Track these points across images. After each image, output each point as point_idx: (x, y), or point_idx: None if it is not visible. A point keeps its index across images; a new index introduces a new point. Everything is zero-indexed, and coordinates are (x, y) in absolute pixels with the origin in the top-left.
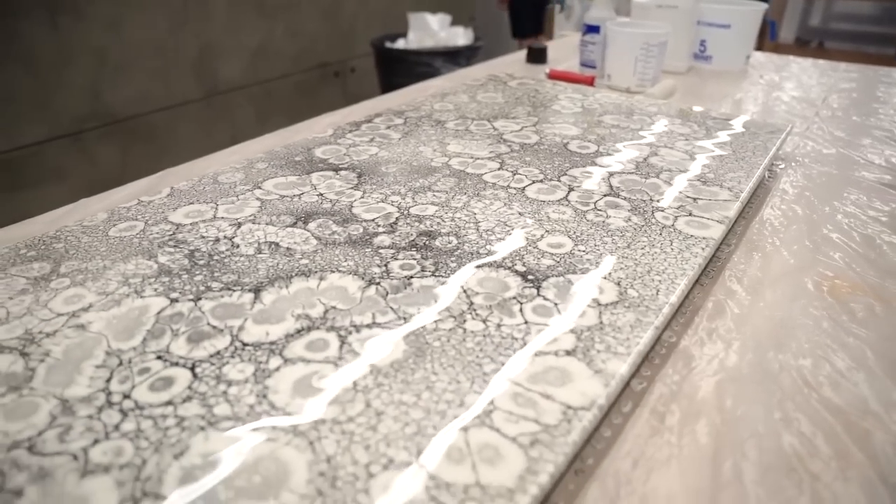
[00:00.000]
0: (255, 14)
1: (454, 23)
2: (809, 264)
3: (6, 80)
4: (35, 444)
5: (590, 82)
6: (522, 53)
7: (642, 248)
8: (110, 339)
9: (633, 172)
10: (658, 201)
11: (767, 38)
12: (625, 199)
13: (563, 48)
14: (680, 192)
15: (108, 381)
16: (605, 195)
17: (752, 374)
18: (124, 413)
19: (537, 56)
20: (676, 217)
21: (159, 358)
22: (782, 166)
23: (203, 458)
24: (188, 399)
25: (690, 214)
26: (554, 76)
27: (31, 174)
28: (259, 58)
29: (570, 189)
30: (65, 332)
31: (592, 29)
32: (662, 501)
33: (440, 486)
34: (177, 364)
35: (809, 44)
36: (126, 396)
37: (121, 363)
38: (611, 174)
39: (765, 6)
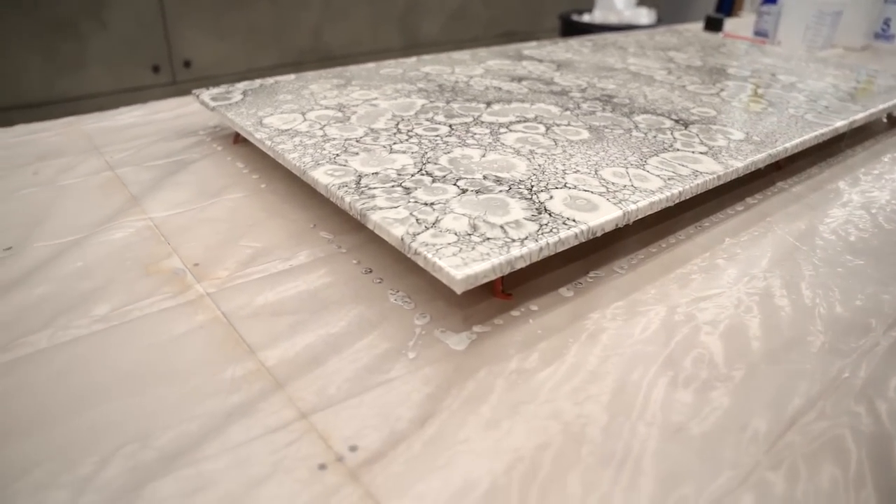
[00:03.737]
0: None
1: (639, 4)
2: None
3: (255, 15)
4: (359, 140)
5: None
6: (700, 24)
7: (771, 122)
8: (393, 111)
9: (779, 89)
10: (793, 104)
11: None
12: (766, 100)
13: (741, 24)
14: (814, 102)
15: (397, 125)
16: (749, 95)
17: (824, 205)
18: (409, 136)
19: (714, 24)
20: (806, 112)
21: (427, 120)
22: None
23: (461, 156)
24: (449, 135)
25: (819, 113)
26: (727, 37)
27: None
28: (456, 20)
29: (722, 90)
30: (364, 106)
31: (770, 0)
32: (748, 263)
33: (608, 187)
34: (439, 124)
35: None
36: (409, 131)
37: (402, 119)
38: (758, 86)
39: None
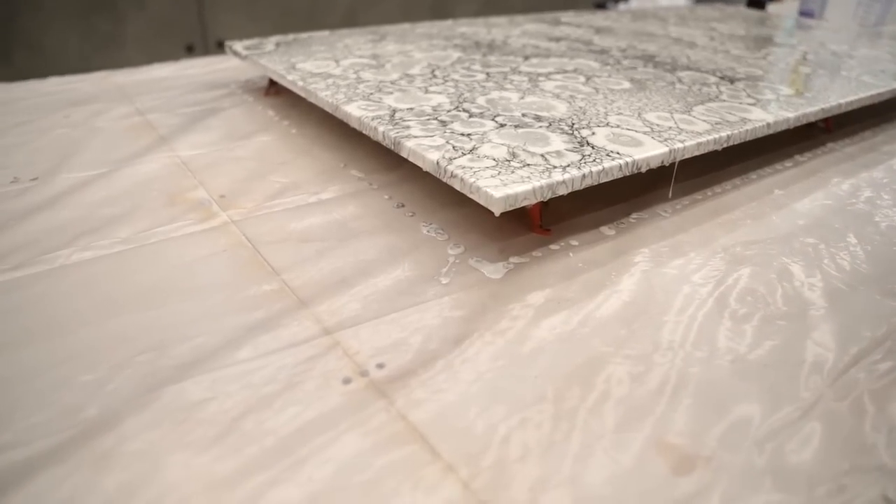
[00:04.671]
0: None
1: None
2: None
3: None
4: (406, 78)
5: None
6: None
7: (822, 82)
8: (428, 60)
9: (829, 55)
10: (845, 67)
11: None
12: (816, 64)
13: (784, 9)
14: (870, 66)
15: (433, 71)
16: (798, 60)
17: (879, 165)
18: (445, 81)
19: (757, 4)
20: (861, 74)
21: (465, 68)
22: None
23: (499, 97)
24: (486, 81)
25: (875, 75)
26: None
27: None
28: (490, 6)
29: (768, 54)
30: (398, 56)
31: None
32: (800, 214)
33: (653, 128)
34: (477, 71)
35: None
36: (445, 77)
37: (438, 67)
38: (806, 52)
39: None
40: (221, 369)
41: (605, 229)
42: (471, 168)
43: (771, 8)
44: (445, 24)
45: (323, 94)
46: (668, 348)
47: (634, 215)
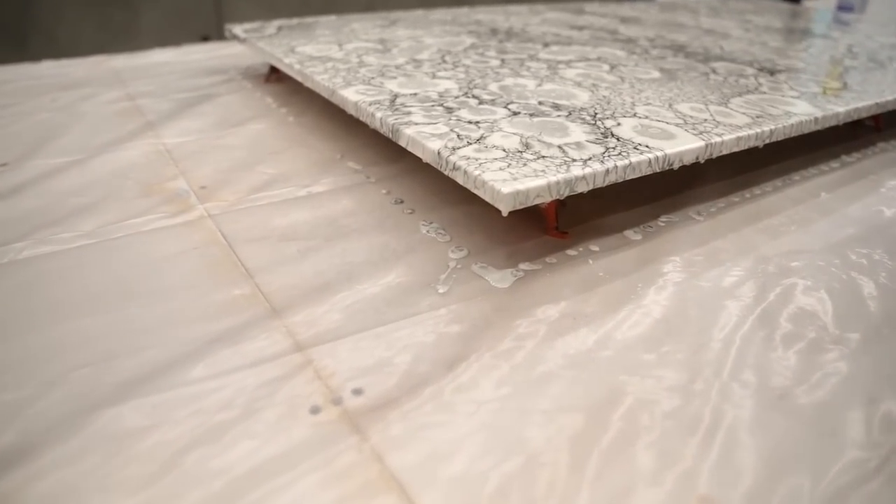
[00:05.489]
0: None
1: None
2: None
3: None
4: (413, 63)
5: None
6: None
7: (874, 76)
8: (439, 46)
9: (877, 47)
10: (882, 61)
11: None
12: (865, 56)
13: (822, 3)
14: None
15: (443, 57)
16: (844, 52)
17: None
18: (455, 66)
19: (792, 3)
20: None
21: (479, 54)
22: None
23: (514, 84)
24: (501, 67)
25: None
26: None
27: None
28: (512, 4)
29: (810, 46)
30: (407, 41)
31: None
32: (852, 219)
33: (686, 120)
34: (492, 58)
35: None
36: (455, 62)
37: (448, 53)
38: (852, 45)
39: None
40: (169, 390)
41: (630, 233)
42: (476, 159)
43: (807, 3)
44: (461, 11)
45: (319, 78)
46: (706, 378)
47: (663, 218)
